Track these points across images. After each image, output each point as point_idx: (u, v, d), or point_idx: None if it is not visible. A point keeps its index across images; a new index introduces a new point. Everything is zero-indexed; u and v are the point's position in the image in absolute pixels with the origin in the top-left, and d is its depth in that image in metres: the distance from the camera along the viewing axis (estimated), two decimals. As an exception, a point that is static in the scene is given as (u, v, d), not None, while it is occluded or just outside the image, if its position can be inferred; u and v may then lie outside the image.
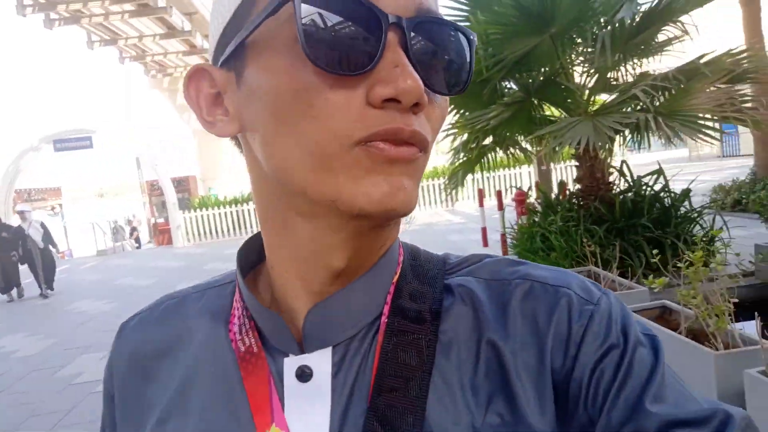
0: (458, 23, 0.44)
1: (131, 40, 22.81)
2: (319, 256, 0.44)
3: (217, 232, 16.25)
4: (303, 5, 0.38)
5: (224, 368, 0.48)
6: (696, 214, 5.36)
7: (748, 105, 4.70)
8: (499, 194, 7.78)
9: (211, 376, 0.48)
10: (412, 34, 0.40)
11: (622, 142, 5.58)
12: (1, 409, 4.65)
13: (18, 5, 17.20)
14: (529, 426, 0.42)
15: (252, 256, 0.53)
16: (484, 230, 8.62)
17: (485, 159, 6.13)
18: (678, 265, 3.20)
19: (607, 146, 4.63)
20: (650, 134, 4.79)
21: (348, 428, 0.44)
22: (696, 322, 2.91)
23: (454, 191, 6.24)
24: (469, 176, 6.27)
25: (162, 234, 18.46)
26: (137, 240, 21.02)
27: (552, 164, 9.81)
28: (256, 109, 0.42)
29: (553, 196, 6.58)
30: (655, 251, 3.78)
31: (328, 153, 0.39)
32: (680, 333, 2.94)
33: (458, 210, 15.26)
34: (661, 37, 5.33)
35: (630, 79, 5.42)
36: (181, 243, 15.94)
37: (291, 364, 0.46)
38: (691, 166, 17.70)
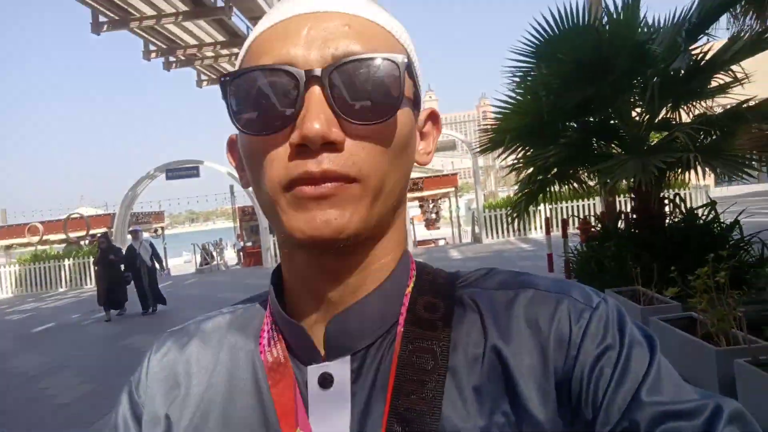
0: (390, 54, 0.47)
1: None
2: (314, 276, 0.51)
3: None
4: (229, 91, 0.47)
5: (254, 377, 0.53)
6: (744, 243, 5.80)
7: None
8: (563, 223, 8.41)
9: (242, 384, 0.53)
10: (331, 78, 0.45)
11: (713, 176, 6.01)
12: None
13: (144, 51, 19.70)
14: (532, 424, 0.45)
15: (280, 279, 0.57)
16: (549, 256, 9.23)
17: (548, 191, 6.84)
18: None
19: (651, 180, 5.21)
20: (701, 170, 5.36)
21: (368, 427, 0.48)
22: (713, 327, 3.53)
23: (521, 220, 6.95)
24: (542, 206, 6.97)
25: (249, 256, 20.14)
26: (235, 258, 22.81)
27: (617, 196, 10.21)
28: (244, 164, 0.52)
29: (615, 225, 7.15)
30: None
31: (273, 197, 0.47)
32: (696, 335, 3.58)
33: (530, 238, 15.81)
34: (716, 82, 5.90)
35: (688, 119, 6.02)
36: (270, 263, 17.42)
37: (314, 372, 0.50)
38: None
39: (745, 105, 5.35)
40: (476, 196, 17.96)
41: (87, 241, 21.63)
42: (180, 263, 27.48)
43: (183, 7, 16.97)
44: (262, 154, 0.47)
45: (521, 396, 0.46)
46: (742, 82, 5.75)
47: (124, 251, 11.65)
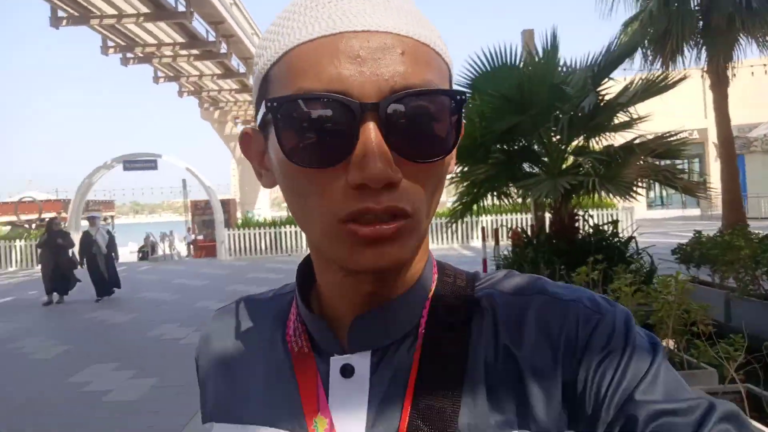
0: (448, 90, 0.48)
1: (192, 78, 25.54)
2: (350, 286, 0.52)
3: (255, 249, 18.27)
4: (281, 120, 0.45)
5: (280, 364, 0.57)
6: (636, 256, 7.02)
7: (682, 175, 6.46)
8: (495, 232, 9.55)
9: (270, 369, 0.58)
10: (388, 113, 0.44)
11: (647, 198, 7.21)
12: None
13: (102, 46, 19.92)
14: (538, 422, 0.48)
15: (308, 273, 0.59)
16: (484, 261, 10.34)
17: (480, 203, 7.91)
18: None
19: (560, 197, 6.34)
20: (600, 192, 6.53)
21: (382, 418, 0.51)
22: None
23: (457, 228, 7.98)
24: (486, 218, 7.99)
25: (201, 249, 20.63)
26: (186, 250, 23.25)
27: (545, 211, 11.50)
28: (276, 175, 0.51)
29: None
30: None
31: (326, 226, 0.47)
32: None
33: (471, 246, 17.10)
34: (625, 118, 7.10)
35: (599, 148, 7.22)
36: (224, 257, 17.99)
37: (336, 362, 0.54)
38: (698, 225, 19.09)
39: (636, 141, 6.57)
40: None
41: (35, 225, 21.58)
42: (126, 252, 27.57)
43: (144, 9, 17.40)
44: (313, 187, 0.46)
45: (530, 396, 0.49)
46: (637, 120, 7.01)
47: (78, 237, 11.77)
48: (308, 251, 0.58)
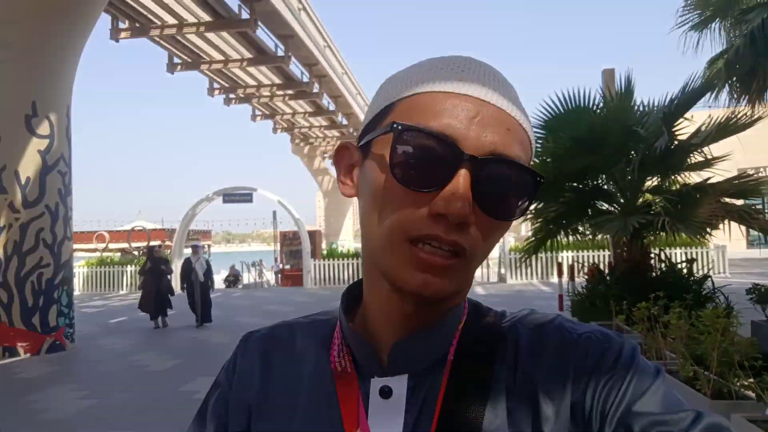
0: (531, 169, 0.54)
1: (286, 115, 27.41)
2: (396, 309, 0.58)
3: (339, 279, 19.13)
4: (398, 140, 0.53)
5: (324, 382, 0.62)
6: (709, 294, 6.99)
7: (759, 215, 6.49)
8: (570, 269, 9.69)
9: (313, 386, 0.62)
10: (482, 169, 0.51)
11: (747, 236, 7.19)
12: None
13: (209, 88, 21.91)
14: None
15: (353, 298, 0.66)
16: (560, 297, 10.45)
17: (555, 240, 8.17)
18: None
19: (629, 235, 6.51)
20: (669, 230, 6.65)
21: None
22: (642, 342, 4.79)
23: (530, 261, 8.25)
24: (566, 254, 8.14)
25: (287, 279, 21.67)
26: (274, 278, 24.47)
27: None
28: (364, 187, 0.58)
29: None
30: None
31: (393, 239, 0.53)
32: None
33: (551, 281, 16.96)
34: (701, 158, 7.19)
35: (676, 187, 7.34)
36: (309, 285, 18.99)
37: (376, 383, 0.59)
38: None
39: (708, 182, 6.65)
40: (503, 239, 19.21)
41: (143, 251, 23.72)
42: (219, 280, 29.49)
43: (248, 54, 19.09)
44: (399, 201, 0.53)
45: (543, 416, 0.54)
46: (714, 160, 7.07)
47: (180, 264, 12.58)
48: None
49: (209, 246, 32.00)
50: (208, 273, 11.71)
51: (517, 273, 18.00)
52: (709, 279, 7.24)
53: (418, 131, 0.52)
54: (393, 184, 0.53)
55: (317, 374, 0.63)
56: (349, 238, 36.68)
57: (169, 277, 11.67)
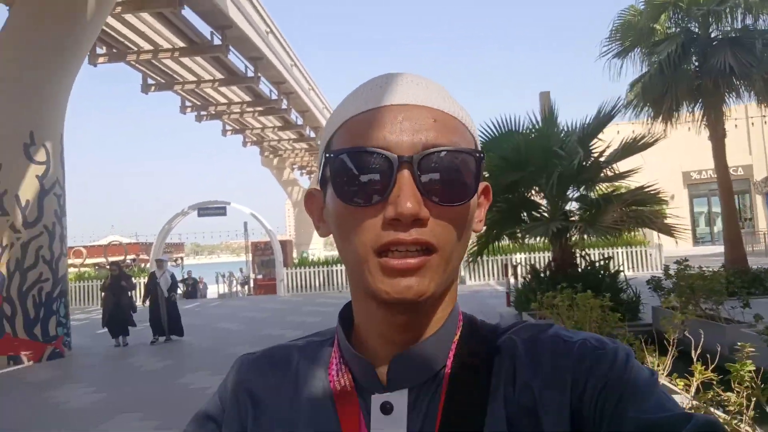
0: (470, 149, 0.57)
1: (255, 130, 28.45)
2: (385, 323, 0.59)
3: (310, 286, 20.26)
4: (331, 165, 0.56)
5: (324, 402, 0.62)
6: (623, 286, 8.42)
7: (664, 219, 7.96)
8: (513, 269, 11.10)
9: (313, 407, 0.62)
10: (420, 165, 0.54)
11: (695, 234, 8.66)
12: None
13: (181, 106, 22.83)
14: None
15: (349, 317, 0.66)
16: (507, 294, 11.85)
17: (495, 244, 9.52)
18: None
19: (549, 237, 7.88)
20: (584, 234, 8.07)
21: None
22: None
23: (475, 264, 9.58)
24: (518, 256, 9.48)
25: (260, 288, 22.55)
26: (248, 289, 25.13)
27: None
28: (330, 220, 0.61)
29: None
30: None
31: (363, 256, 0.56)
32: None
33: (504, 281, 18.48)
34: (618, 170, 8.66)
35: (594, 196, 8.78)
36: (283, 293, 20.06)
37: (377, 399, 0.60)
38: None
39: (614, 193, 8.11)
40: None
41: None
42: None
43: (219, 75, 20.16)
44: (355, 221, 0.56)
45: (543, 422, 0.55)
46: (627, 174, 8.55)
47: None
48: None
49: (182, 258, 32.60)
50: (173, 287, 11.53)
51: (475, 274, 19.45)
52: (621, 273, 8.70)
53: (351, 153, 0.56)
54: (344, 207, 0.56)
55: (316, 395, 0.63)
56: (319, 247, 37.70)
57: (130, 293, 11.31)
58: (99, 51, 16.74)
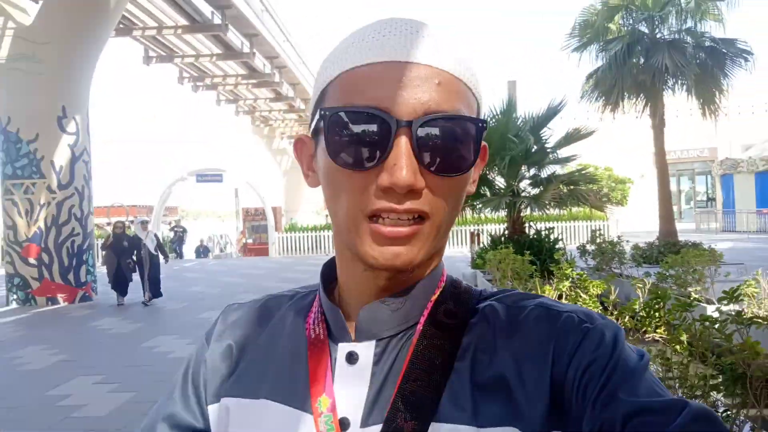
0: (472, 117, 0.54)
1: (248, 100, 29.80)
2: (367, 282, 0.59)
3: (299, 249, 22.08)
4: (324, 121, 0.53)
5: (297, 349, 0.63)
6: (560, 254, 10.29)
7: (602, 198, 9.81)
8: (476, 236, 12.97)
9: (287, 352, 0.64)
10: (419, 131, 0.51)
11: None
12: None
13: (179, 77, 24.12)
14: (524, 421, 0.52)
15: (330, 272, 0.67)
16: (472, 258, 13.76)
17: (464, 216, 11.32)
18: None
19: (503, 208, 9.70)
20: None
21: (379, 403, 0.57)
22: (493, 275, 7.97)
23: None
24: (486, 227, 11.40)
25: (250, 251, 24.02)
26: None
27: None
28: (320, 175, 0.59)
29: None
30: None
31: (353, 220, 0.54)
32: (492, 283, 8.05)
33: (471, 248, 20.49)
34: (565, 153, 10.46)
35: (543, 176, 10.59)
36: (274, 255, 21.86)
37: (343, 348, 0.60)
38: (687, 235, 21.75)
39: (553, 174, 9.92)
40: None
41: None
42: (189, 250, 32.01)
43: (216, 50, 21.46)
44: (348, 184, 0.54)
45: (518, 395, 0.53)
46: (571, 159, 10.36)
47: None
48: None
49: (179, 220, 34.15)
50: (160, 247, 11.62)
51: (452, 242, 21.40)
52: (560, 241, 10.58)
53: (347, 112, 0.52)
54: (338, 169, 0.54)
55: (292, 341, 0.65)
56: (307, 214, 39.42)
57: (133, 257, 11.02)
58: (107, 26, 17.97)
